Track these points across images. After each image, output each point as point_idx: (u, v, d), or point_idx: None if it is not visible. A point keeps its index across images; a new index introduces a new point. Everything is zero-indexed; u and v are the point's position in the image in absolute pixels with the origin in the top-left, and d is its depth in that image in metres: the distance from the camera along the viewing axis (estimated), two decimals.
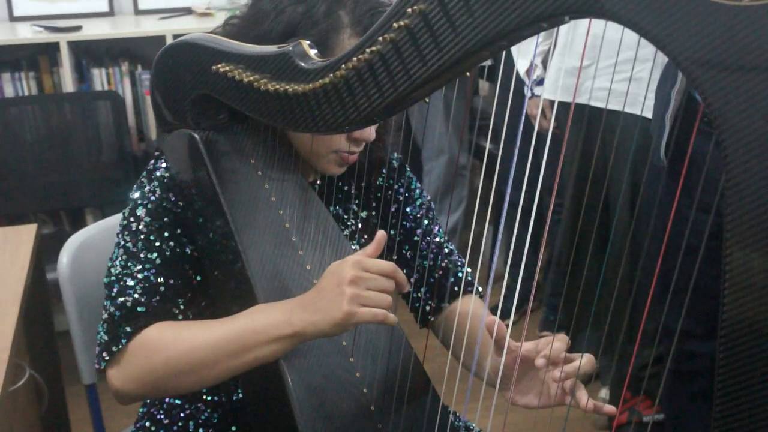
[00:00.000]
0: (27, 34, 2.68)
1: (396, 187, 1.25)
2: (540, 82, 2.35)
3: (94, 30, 2.73)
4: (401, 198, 1.25)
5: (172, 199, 1.08)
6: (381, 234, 0.95)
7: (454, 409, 1.22)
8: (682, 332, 2.05)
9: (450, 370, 1.07)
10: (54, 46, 2.62)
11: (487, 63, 2.91)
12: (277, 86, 0.90)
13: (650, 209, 2.03)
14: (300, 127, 0.93)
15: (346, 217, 1.21)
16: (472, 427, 1.29)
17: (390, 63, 0.82)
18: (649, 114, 2.06)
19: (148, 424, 1.22)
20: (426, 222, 1.26)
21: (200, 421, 1.18)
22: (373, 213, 1.23)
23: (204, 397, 1.18)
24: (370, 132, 1.09)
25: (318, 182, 1.19)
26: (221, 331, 1.00)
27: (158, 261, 1.06)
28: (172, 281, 1.06)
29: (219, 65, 0.96)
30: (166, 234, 1.07)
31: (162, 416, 1.20)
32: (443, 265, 1.25)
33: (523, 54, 2.35)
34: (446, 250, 1.27)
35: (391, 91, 0.83)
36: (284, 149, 1.11)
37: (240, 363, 0.99)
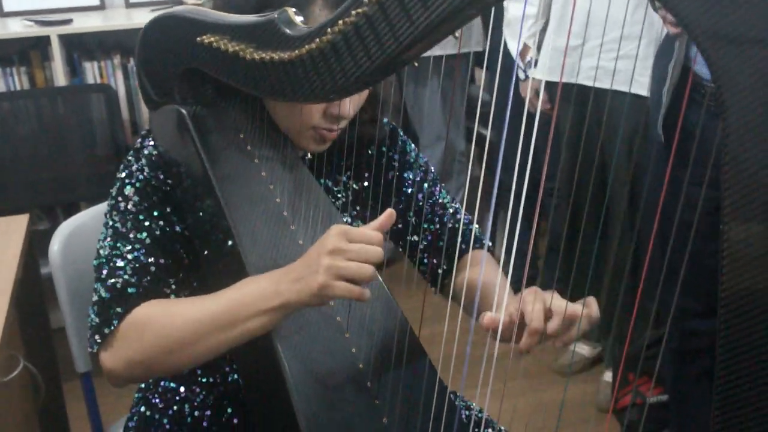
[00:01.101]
0: (17, 28, 2.66)
1: (390, 154, 1.23)
2: (534, 63, 2.33)
3: (85, 23, 2.71)
4: (396, 165, 1.23)
5: (161, 177, 1.06)
6: (390, 210, 0.92)
7: (462, 394, 1.20)
8: (683, 311, 2.04)
9: (456, 355, 1.04)
10: (45, 40, 2.60)
11: (482, 48, 2.89)
12: (263, 55, 0.89)
13: (650, 186, 2.01)
14: (288, 96, 0.91)
15: (336, 189, 1.19)
16: (472, 406, 1.27)
17: (376, 25, 0.80)
18: (642, 91, 2.05)
19: (143, 408, 1.20)
20: (426, 185, 1.24)
21: (195, 404, 1.16)
22: (365, 183, 1.21)
23: (199, 379, 1.16)
24: (347, 109, 1.06)
25: (308, 156, 1.17)
26: (210, 305, 0.98)
27: (148, 240, 1.04)
28: (162, 261, 1.04)
29: (204, 36, 0.94)
30: (155, 213, 1.05)
31: (157, 400, 1.19)
32: (450, 226, 1.23)
33: (516, 36, 2.33)
34: (451, 210, 1.25)
35: (379, 54, 0.81)
36: (272, 124, 1.10)
37: (231, 336, 0.97)
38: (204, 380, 1.16)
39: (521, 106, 2.31)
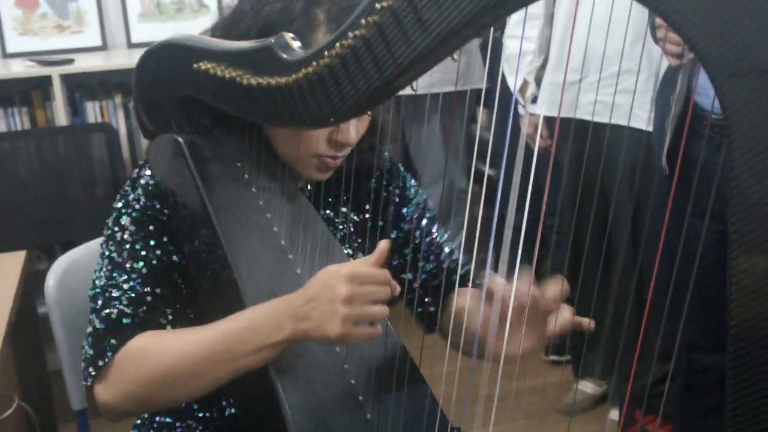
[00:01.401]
0: (19, 69, 2.67)
1: (390, 187, 1.22)
2: (534, 99, 2.33)
3: (87, 63, 2.73)
4: (396, 199, 1.22)
5: (157, 206, 1.04)
6: (384, 243, 0.91)
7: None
8: (690, 345, 2.01)
9: (457, 395, 1.01)
10: (46, 80, 2.61)
11: (483, 86, 2.89)
12: (260, 80, 0.88)
13: (653, 219, 2.00)
14: (285, 121, 0.90)
15: (337, 220, 1.17)
16: None
17: (374, 47, 0.79)
18: (641, 125, 2.04)
19: None
20: (424, 222, 1.23)
21: None
22: (366, 216, 1.19)
23: (195, 413, 1.13)
24: (351, 136, 1.05)
25: (308, 187, 1.16)
26: (209, 339, 0.96)
27: (144, 270, 1.02)
28: (159, 291, 1.02)
29: (201, 63, 0.94)
30: (151, 242, 1.03)
31: None
32: (445, 266, 1.22)
33: (515, 72, 2.34)
34: (447, 250, 1.23)
35: (377, 76, 0.80)
36: (271, 153, 1.09)
37: (229, 370, 0.95)
38: (200, 414, 1.13)
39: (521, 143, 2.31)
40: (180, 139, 1.02)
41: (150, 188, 1.05)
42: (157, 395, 0.97)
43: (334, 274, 0.90)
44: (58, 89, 2.60)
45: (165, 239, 1.04)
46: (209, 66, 0.92)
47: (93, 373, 0.99)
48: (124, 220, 1.04)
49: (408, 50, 0.77)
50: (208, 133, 1.05)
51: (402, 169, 1.25)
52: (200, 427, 1.13)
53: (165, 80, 0.99)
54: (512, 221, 1.06)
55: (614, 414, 2.39)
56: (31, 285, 1.79)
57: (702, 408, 1.97)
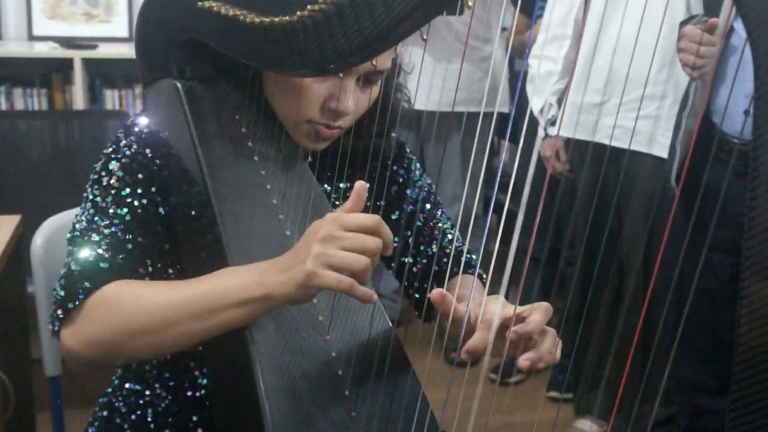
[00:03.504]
0: (43, 49, 2.68)
1: (395, 168, 1.17)
2: (553, 122, 2.29)
3: (110, 50, 2.73)
4: (400, 180, 1.17)
5: (149, 155, 1.00)
6: (359, 184, 0.86)
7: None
8: (695, 386, 1.93)
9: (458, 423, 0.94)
10: (68, 64, 2.61)
11: (507, 110, 2.85)
12: (264, 18, 0.84)
13: (666, 252, 1.93)
14: (285, 65, 0.86)
15: (334, 196, 1.12)
16: None
17: None
18: (663, 153, 1.99)
19: (105, 413, 1.11)
20: (428, 206, 1.18)
21: (159, 410, 1.08)
22: (367, 194, 1.14)
23: (167, 382, 1.08)
24: (346, 104, 1.00)
25: (308, 159, 1.11)
26: (187, 291, 0.90)
27: (128, 217, 0.98)
28: (141, 239, 0.98)
29: (206, 1, 0.90)
30: (138, 190, 0.99)
31: (120, 404, 1.10)
32: (447, 251, 1.16)
33: (539, 92, 2.30)
34: (449, 236, 1.18)
35: (384, 16, 0.76)
36: (271, 112, 1.04)
37: (204, 326, 0.89)
38: (172, 383, 1.08)
39: (542, 169, 2.25)
40: (179, 85, 0.98)
41: (144, 135, 1.01)
42: (125, 344, 0.92)
43: (318, 221, 0.85)
44: (78, 74, 2.59)
45: (153, 189, 1.00)
46: (214, 4, 0.89)
47: (61, 316, 0.93)
48: (113, 165, 1.00)
49: None
50: (209, 81, 1.01)
51: (408, 151, 1.21)
52: (169, 398, 1.08)
53: (169, 21, 0.96)
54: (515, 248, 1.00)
55: None
56: (21, 254, 1.74)
57: None
